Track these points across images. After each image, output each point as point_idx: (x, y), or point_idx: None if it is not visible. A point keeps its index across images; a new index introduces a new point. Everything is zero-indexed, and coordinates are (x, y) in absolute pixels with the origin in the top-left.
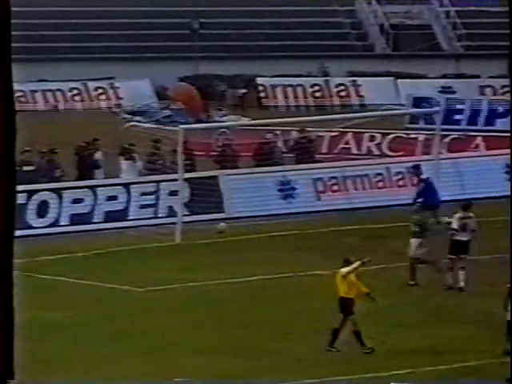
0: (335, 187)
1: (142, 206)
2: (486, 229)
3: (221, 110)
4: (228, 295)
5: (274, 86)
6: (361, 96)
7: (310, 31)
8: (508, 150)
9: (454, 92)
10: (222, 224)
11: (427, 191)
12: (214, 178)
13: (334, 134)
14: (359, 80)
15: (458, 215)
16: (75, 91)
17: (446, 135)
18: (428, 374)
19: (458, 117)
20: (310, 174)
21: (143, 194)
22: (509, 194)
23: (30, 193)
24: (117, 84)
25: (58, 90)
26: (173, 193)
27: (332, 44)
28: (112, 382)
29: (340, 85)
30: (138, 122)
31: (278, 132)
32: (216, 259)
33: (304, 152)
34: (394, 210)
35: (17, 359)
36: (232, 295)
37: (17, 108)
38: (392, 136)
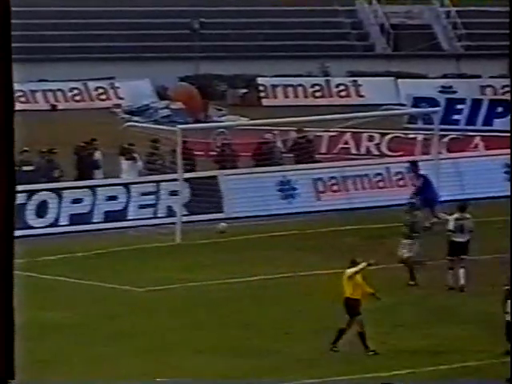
0: (335, 187)
1: (142, 206)
2: (486, 229)
3: (220, 109)
4: (228, 295)
5: (274, 86)
6: (361, 96)
7: (311, 31)
8: (507, 150)
9: (454, 92)
10: (222, 224)
11: (425, 188)
12: (214, 177)
13: (332, 134)
14: (360, 80)
15: (454, 216)
16: (75, 91)
17: (445, 135)
18: (428, 374)
19: (457, 117)
20: (310, 174)
21: (143, 194)
22: (508, 194)
23: (30, 193)
24: (117, 84)
25: (59, 89)
26: (173, 193)
27: (332, 44)
28: (112, 382)
29: (340, 85)
30: (137, 121)
31: (276, 132)
32: (216, 259)
33: (303, 152)
34: (393, 210)
35: (17, 359)
36: (232, 295)
37: (17, 108)
38: (391, 136)
